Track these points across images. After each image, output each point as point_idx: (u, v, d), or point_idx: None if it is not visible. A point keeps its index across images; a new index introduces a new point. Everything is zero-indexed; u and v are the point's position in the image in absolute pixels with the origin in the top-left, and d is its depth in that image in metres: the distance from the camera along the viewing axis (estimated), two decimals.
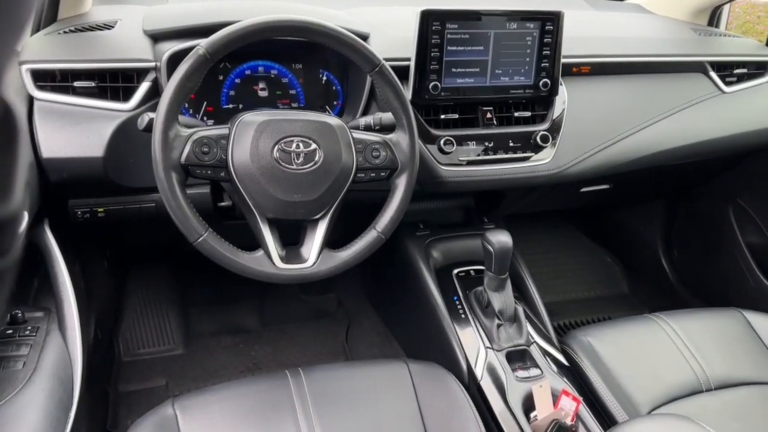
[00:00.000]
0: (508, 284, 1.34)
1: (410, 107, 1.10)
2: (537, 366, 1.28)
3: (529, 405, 1.20)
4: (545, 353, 1.33)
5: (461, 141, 1.31)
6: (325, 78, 1.35)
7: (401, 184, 1.12)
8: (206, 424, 1.02)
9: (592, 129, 1.44)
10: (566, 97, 1.40)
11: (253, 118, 1.02)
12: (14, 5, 0.66)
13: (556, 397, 1.18)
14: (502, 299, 1.33)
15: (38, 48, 1.14)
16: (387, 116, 1.15)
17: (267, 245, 1.03)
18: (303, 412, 1.06)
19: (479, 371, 1.27)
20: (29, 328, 1.04)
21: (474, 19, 1.26)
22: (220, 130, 1.01)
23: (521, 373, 1.26)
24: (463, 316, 1.39)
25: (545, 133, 1.36)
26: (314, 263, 1.07)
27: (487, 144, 1.33)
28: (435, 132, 1.29)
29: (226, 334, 1.89)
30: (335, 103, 1.37)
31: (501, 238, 1.27)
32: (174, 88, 0.95)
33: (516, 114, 1.37)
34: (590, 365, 1.29)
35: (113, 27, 1.24)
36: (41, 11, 1.23)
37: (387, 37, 1.31)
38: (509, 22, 1.29)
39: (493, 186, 1.38)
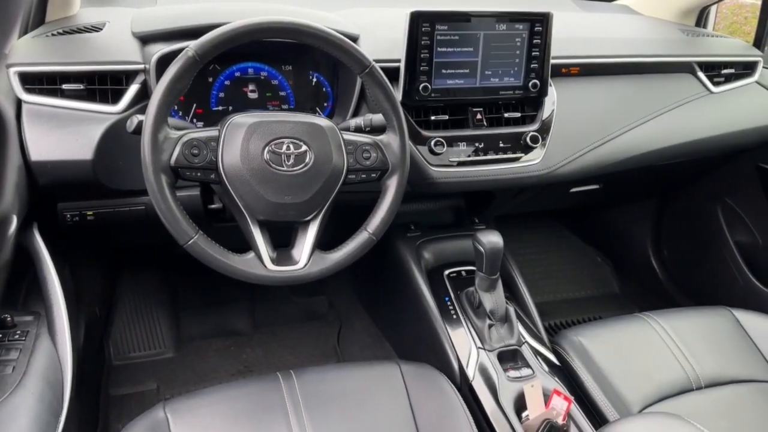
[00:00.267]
0: (499, 284, 1.34)
1: (400, 108, 1.10)
2: (528, 366, 1.29)
3: (520, 405, 1.21)
4: (536, 353, 1.33)
5: (451, 142, 1.31)
6: (315, 80, 1.36)
7: (392, 186, 1.12)
8: (198, 428, 1.02)
9: (582, 129, 1.45)
10: (555, 98, 1.41)
11: (243, 119, 1.02)
12: (1, 8, 0.66)
13: (547, 397, 1.19)
14: (493, 299, 1.33)
15: (26, 50, 1.14)
16: (377, 117, 1.15)
17: (258, 247, 1.04)
18: (295, 414, 1.06)
19: (471, 372, 1.28)
20: (18, 332, 1.03)
21: (463, 20, 1.27)
22: (210, 132, 1.01)
23: (513, 373, 1.27)
24: (454, 316, 1.39)
25: (535, 133, 1.37)
26: (305, 265, 1.07)
27: (477, 145, 1.34)
28: (425, 133, 1.30)
29: (217, 337, 1.88)
30: (325, 104, 1.37)
31: (492, 239, 1.28)
32: (163, 90, 0.95)
33: (506, 115, 1.37)
34: (581, 365, 1.30)
35: (102, 29, 1.24)
36: (29, 13, 1.23)
37: (377, 38, 1.32)
38: (498, 24, 1.29)
39: (484, 186, 1.39)
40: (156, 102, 0.95)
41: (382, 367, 1.20)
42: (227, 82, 1.29)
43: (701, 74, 1.61)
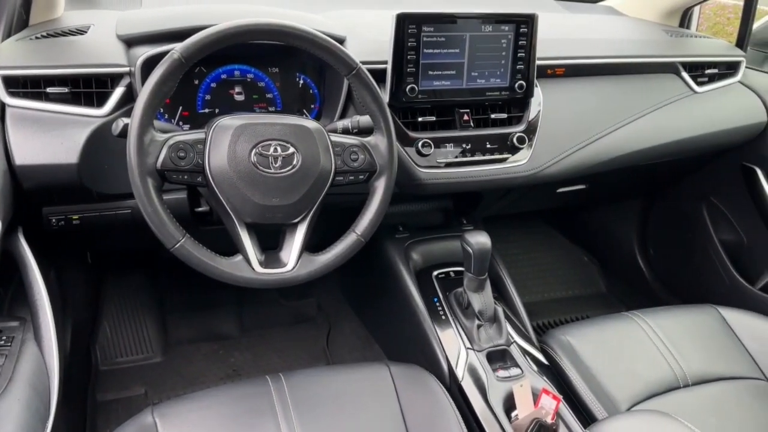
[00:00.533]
0: (488, 285, 1.35)
1: (388, 110, 1.11)
2: (517, 365, 1.30)
3: (510, 404, 1.21)
4: (525, 353, 1.34)
5: (439, 143, 1.32)
6: (301, 82, 1.36)
7: (380, 187, 1.12)
8: None
9: (568, 130, 1.46)
10: (541, 99, 1.42)
11: (230, 122, 1.02)
12: None
13: (536, 396, 1.20)
14: (482, 300, 1.34)
15: (10, 54, 1.13)
16: (365, 119, 1.15)
17: (245, 250, 1.03)
18: (284, 417, 1.06)
19: (460, 372, 1.28)
20: (4, 338, 1.02)
21: (449, 22, 1.27)
22: (197, 135, 1.01)
23: (502, 373, 1.28)
24: (443, 317, 1.40)
25: (521, 134, 1.37)
26: (294, 267, 1.07)
27: (464, 146, 1.34)
28: (413, 134, 1.30)
29: (205, 341, 1.88)
30: (312, 106, 1.37)
31: (480, 240, 1.29)
32: (149, 92, 0.95)
33: (492, 116, 1.38)
34: (569, 364, 1.31)
35: (86, 32, 1.23)
36: (12, 17, 1.22)
37: (363, 40, 1.32)
38: (484, 25, 1.30)
39: (471, 187, 1.39)
40: (141, 105, 0.95)
41: (371, 369, 1.20)
42: (213, 85, 1.29)
43: (685, 74, 1.63)
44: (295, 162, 1.03)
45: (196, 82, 1.28)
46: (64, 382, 1.07)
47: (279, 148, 1.02)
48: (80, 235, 1.31)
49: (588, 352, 1.33)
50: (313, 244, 1.11)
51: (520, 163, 1.39)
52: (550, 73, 1.46)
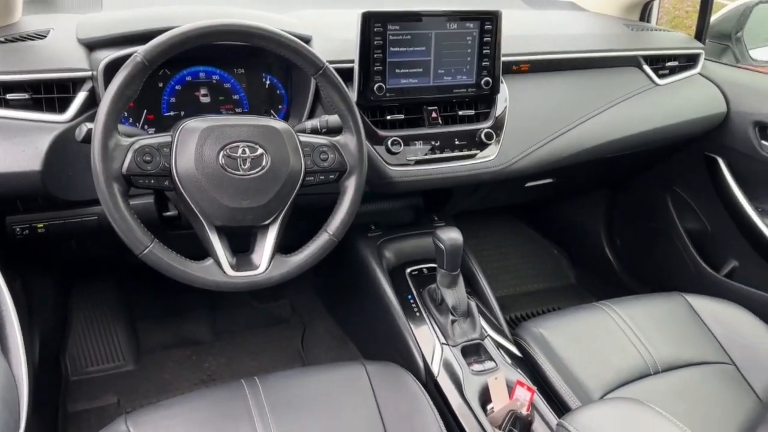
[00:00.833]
0: (461, 280, 1.36)
1: (356, 109, 1.11)
2: (491, 359, 1.31)
3: (485, 398, 1.23)
4: (499, 346, 1.36)
5: (408, 141, 1.33)
6: (268, 82, 1.35)
7: (351, 186, 1.13)
8: None
9: (534, 125, 1.48)
10: (508, 95, 1.44)
11: (196, 124, 1.01)
12: None
13: (511, 388, 1.21)
14: (455, 295, 1.35)
15: None
16: (333, 118, 1.15)
17: (216, 253, 1.03)
18: (261, 421, 1.05)
19: (436, 367, 1.29)
20: None
21: (415, 20, 1.28)
22: (162, 138, 1.00)
23: (476, 367, 1.29)
24: (417, 314, 1.41)
25: (489, 130, 1.39)
26: (266, 269, 1.06)
27: (433, 143, 1.35)
28: (382, 133, 1.31)
29: (177, 347, 1.85)
30: (280, 107, 1.37)
31: (451, 235, 1.30)
32: (112, 96, 0.93)
33: (460, 113, 1.39)
34: (542, 355, 1.33)
35: (46, 36, 1.20)
36: None
37: (329, 39, 1.32)
38: (449, 23, 1.31)
39: (442, 184, 1.40)
40: (105, 109, 0.93)
41: (347, 369, 1.20)
42: (178, 87, 1.27)
43: (647, 67, 1.67)
44: (264, 163, 1.03)
45: (161, 84, 1.26)
46: (33, 394, 1.05)
47: (247, 150, 1.01)
48: (46, 243, 1.28)
49: (560, 343, 1.35)
50: (286, 245, 1.10)
51: (488, 158, 1.40)
52: (515, 69, 1.48)
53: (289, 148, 1.06)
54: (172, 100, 1.27)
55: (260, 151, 1.03)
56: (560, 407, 1.24)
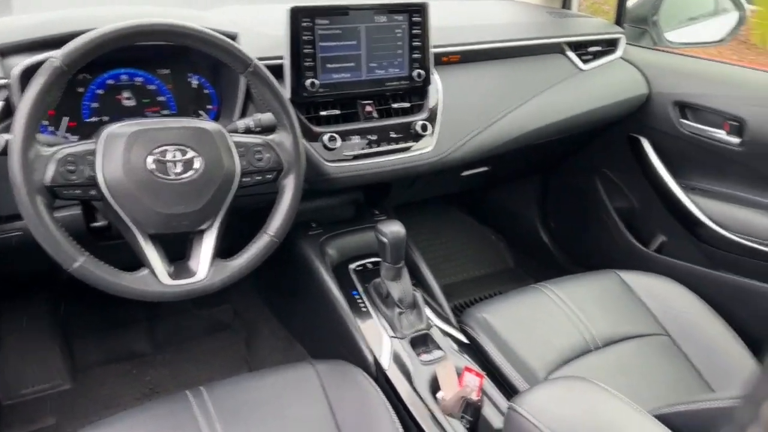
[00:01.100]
0: (405, 272, 1.37)
1: (290, 105, 1.09)
2: (439, 348, 1.33)
3: (436, 386, 1.23)
4: (445, 334, 1.37)
5: (344, 136, 1.31)
6: (195, 82, 1.30)
7: (289, 185, 1.11)
8: None
9: (468, 115, 1.50)
10: (440, 86, 1.45)
11: (122, 129, 0.96)
12: None
13: (460, 375, 1.23)
14: (401, 288, 1.35)
15: None
16: (266, 117, 1.13)
17: (151, 263, 0.98)
18: (210, 431, 1.03)
19: (385, 361, 1.29)
20: None
21: (342, 14, 1.27)
22: (86, 146, 0.95)
23: (425, 357, 1.30)
24: (364, 309, 1.40)
25: (424, 122, 1.39)
26: (206, 276, 1.03)
27: (370, 137, 1.34)
28: (317, 129, 1.29)
29: (116, 362, 1.78)
30: (209, 107, 1.33)
31: (393, 228, 1.30)
32: (29, 105, 0.88)
33: (395, 105, 1.39)
34: (488, 340, 1.35)
35: None
36: None
37: (257, 36, 1.29)
38: (377, 16, 1.31)
39: (380, 178, 1.40)
40: (22, 118, 0.88)
41: (296, 370, 1.18)
42: (99, 91, 1.21)
43: (571, 53, 1.72)
44: (196, 166, 0.99)
45: (81, 89, 1.20)
46: None
47: (178, 153, 0.98)
48: None
49: (504, 326, 1.38)
50: (225, 250, 1.07)
51: (425, 150, 1.41)
52: (445, 60, 1.49)
53: (222, 150, 1.02)
54: (94, 105, 1.21)
55: (191, 153, 0.99)
56: (508, 390, 1.27)
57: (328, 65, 1.28)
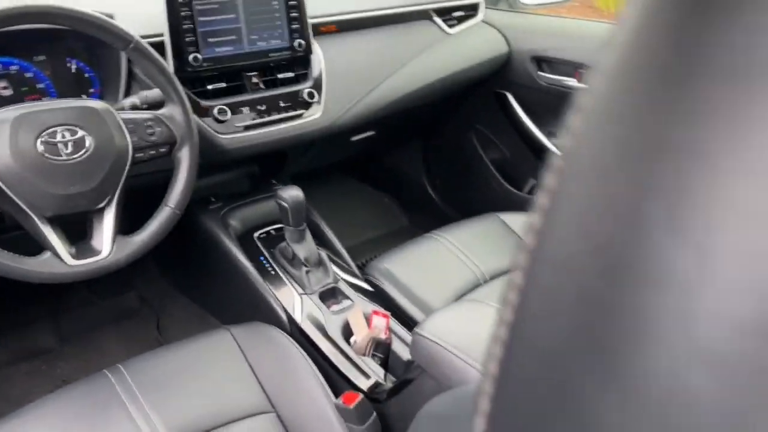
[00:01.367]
0: (308, 234, 1.39)
1: (175, 78, 1.07)
2: (347, 297, 1.37)
3: (348, 332, 1.28)
4: (352, 285, 1.42)
5: (234, 109, 1.30)
6: (74, 66, 1.24)
7: (184, 157, 1.09)
8: None
9: (350, 82, 1.53)
10: (322, 56, 1.46)
11: (5, 115, 0.91)
12: None
13: (368, 319, 1.28)
14: (305, 248, 1.38)
15: None
16: (153, 93, 1.10)
17: (53, 245, 0.95)
18: (135, 406, 1.01)
19: (299, 317, 1.32)
20: None
21: None
22: None
23: (335, 308, 1.34)
24: (272, 272, 1.42)
25: (311, 90, 1.41)
26: (110, 253, 1.01)
27: (259, 108, 1.34)
28: (206, 103, 1.27)
29: (24, 360, 1.67)
30: (91, 90, 1.27)
31: (292, 193, 1.32)
32: None
33: (280, 76, 1.39)
34: (391, 286, 1.41)
35: None
36: None
37: (133, 14, 1.24)
38: None
39: (274, 147, 1.40)
40: None
41: (212, 337, 1.17)
42: None
43: (437, 19, 1.78)
44: (87, 145, 0.96)
45: None
46: None
47: (67, 134, 0.94)
48: None
49: (403, 272, 1.44)
50: (128, 229, 1.05)
51: (314, 116, 1.43)
52: (324, 30, 1.51)
53: (112, 127, 0.99)
54: None
55: (81, 133, 0.95)
56: (412, 326, 1.33)
57: (210, 39, 1.26)
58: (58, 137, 0.93)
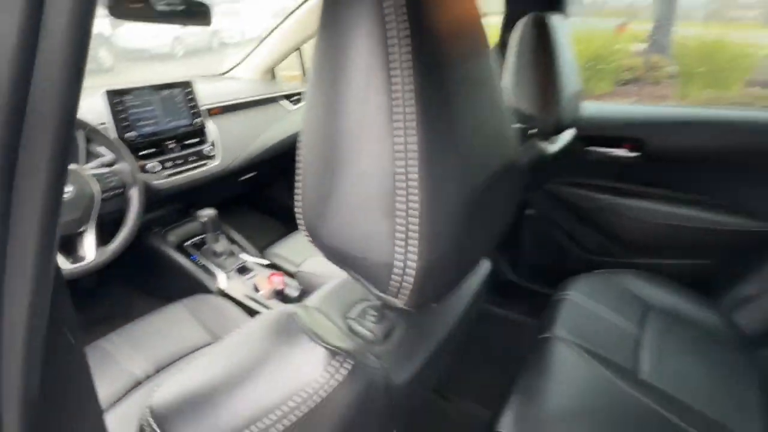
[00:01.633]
0: (223, 237, 1.50)
1: (122, 145, 1.16)
2: (253, 269, 1.49)
3: (257, 290, 1.39)
4: (256, 263, 1.53)
5: (162, 164, 1.37)
6: None
7: (134, 194, 1.18)
8: None
9: (234, 142, 1.61)
10: (215, 127, 1.55)
11: None
12: None
13: (269, 278, 1.41)
14: (221, 245, 1.49)
15: None
16: (106, 158, 1.18)
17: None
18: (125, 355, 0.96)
19: (224, 286, 1.41)
20: None
21: (139, 93, 1.33)
22: None
23: (247, 276, 1.43)
24: (202, 265, 1.49)
25: (210, 148, 1.50)
26: (94, 258, 1.07)
27: (177, 162, 1.41)
28: (142, 162, 1.33)
29: None
30: None
31: (208, 212, 1.42)
32: None
33: (187, 142, 1.47)
34: (281, 258, 1.54)
35: None
36: None
37: (85, 112, 1.28)
38: (163, 91, 1.39)
39: (190, 186, 1.44)
40: None
41: (167, 310, 1.13)
42: None
43: (284, 102, 1.94)
44: (68, 191, 1.03)
45: None
46: None
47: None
48: None
49: (289, 250, 1.57)
50: (103, 241, 1.12)
51: (214, 164, 1.51)
52: (213, 112, 1.60)
53: (85, 179, 1.07)
54: None
55: (70, 187, 1.03)
56: (294, 277, 1.47)
57: (139, 123, 1.33)
58: None
